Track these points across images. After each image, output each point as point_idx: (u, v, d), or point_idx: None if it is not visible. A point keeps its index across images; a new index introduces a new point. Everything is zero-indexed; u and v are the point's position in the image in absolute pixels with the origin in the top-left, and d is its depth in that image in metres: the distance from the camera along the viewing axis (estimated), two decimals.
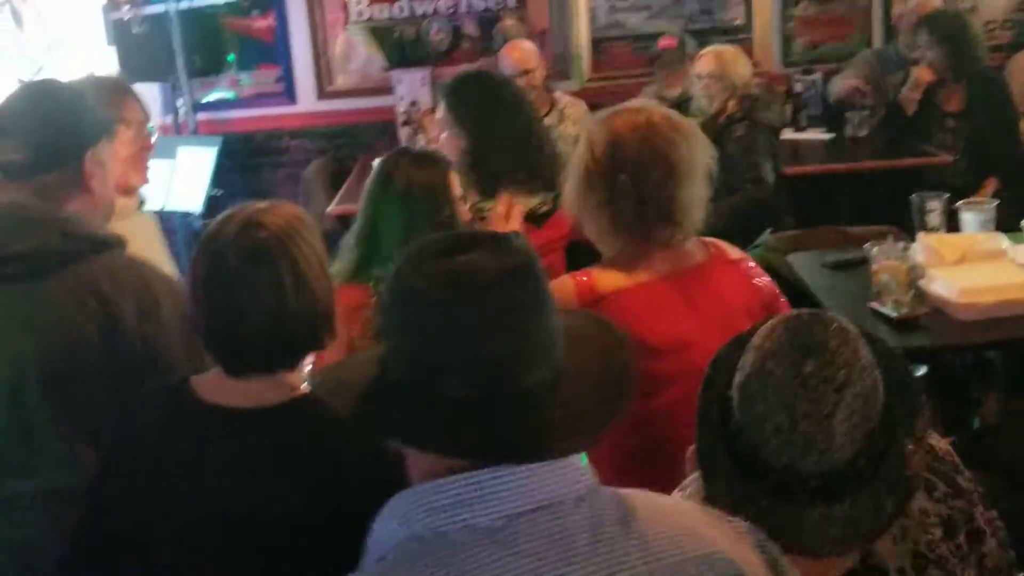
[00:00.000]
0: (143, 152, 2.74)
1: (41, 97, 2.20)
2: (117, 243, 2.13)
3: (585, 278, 2.34)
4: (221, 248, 1.77)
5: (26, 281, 2.02)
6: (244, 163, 6.23)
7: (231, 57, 6.26)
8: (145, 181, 2.79)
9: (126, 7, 5.43)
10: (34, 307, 2.01)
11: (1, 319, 2.03)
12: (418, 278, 1.23)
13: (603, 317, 1.51)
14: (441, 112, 3.58)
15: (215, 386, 1.83)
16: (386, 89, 6.24)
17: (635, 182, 2.31)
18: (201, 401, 1.82)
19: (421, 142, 5.94)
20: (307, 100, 6.35)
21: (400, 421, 1.26)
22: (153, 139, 2.80)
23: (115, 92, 2.75)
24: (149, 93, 5.74)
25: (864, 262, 3.24)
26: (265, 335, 1.77)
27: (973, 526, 1.66)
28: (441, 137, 3.58)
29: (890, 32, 6.11)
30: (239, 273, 1.75)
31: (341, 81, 6.38)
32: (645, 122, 2.34)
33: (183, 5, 5.48)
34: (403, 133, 6.15)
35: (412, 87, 6.21)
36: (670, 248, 2.37)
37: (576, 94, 5.80)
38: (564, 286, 2.30)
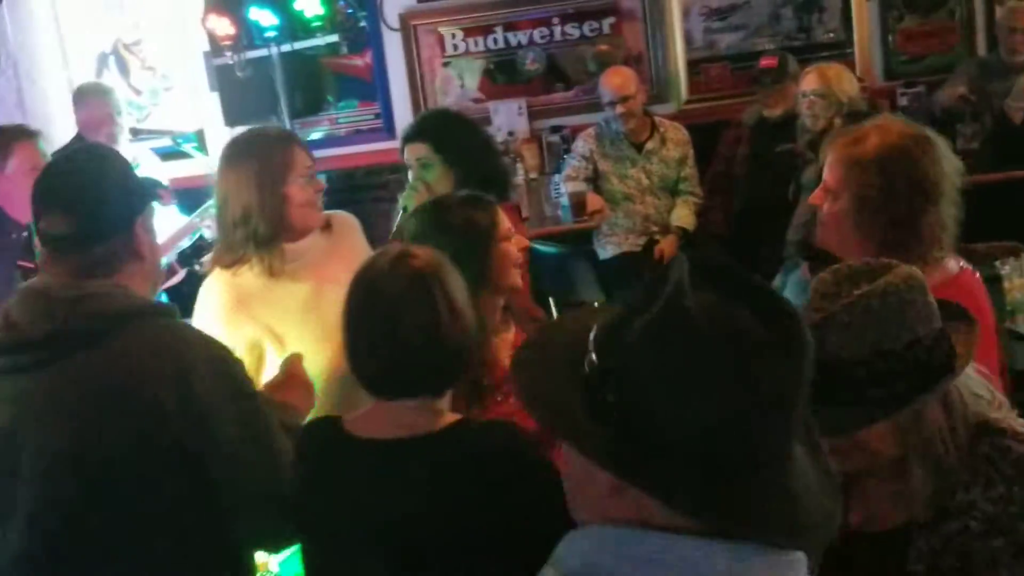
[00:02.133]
0: (316, 195, 2.81)
1: (87, 165, 2.13)
2: (158, 312, 2.09)
3: None
4: (377, 279, 1.91)
5: (47, 366, 1.98)
6: (346, 198, 6.27)
7: (331, 97, 6.35)
8: (321, 221, 2.86)
9: (229, 52, 5.52)
10: (64, 392, 1.97)
11: (38, 405, 1.99)
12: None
13: None
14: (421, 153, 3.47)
15: (366, 422, 1.92)
16: (484, 120, 6.25)
17: (915, 204, 2.26)
18: (354, 437, 1.90)
19: (520, 171, 5.97)
20: None
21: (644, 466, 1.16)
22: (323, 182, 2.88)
23: (283, 142, 2.82)
24: None
25: (994, 280, 3.15)
26: (420, 359, 1.86)
27: (1014, 538, 1.62)
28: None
29: (993, 40, 5.97)
30: (398, 300, 1.87)
31: None
32: (917, 141, 2.29)
33: (284, 48, 5.56)
34: None
35: (509, 117, 6.22)
36: (929, 264, 2.30)
37: (674, 117, 5.77)
38: None
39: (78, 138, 5.18)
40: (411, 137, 3.46)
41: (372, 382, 1.92)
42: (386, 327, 1.87)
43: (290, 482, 2.00)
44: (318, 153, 6.20)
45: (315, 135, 6.35)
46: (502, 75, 6.34)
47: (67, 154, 2.23)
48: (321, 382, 2.58)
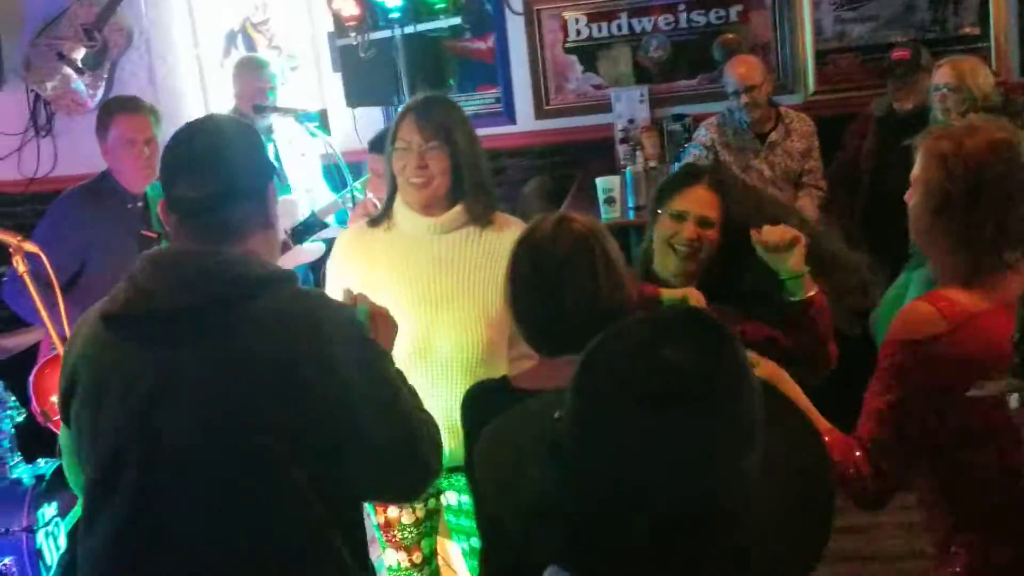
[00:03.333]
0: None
1: (219, 131, 2.13)
2: (288, 278, 2.07)
3: (944, 302, 2.20)
4: (541, 241, 2.12)
5: (187, 337, 1.97)
6: None
7: (452, 80, 6.35)
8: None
9: (352, 33, 5.56)
10: (213, 356, 1.98)
11: (178, 375, 1.98)
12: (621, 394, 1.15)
13: (803, 424, 1.42)
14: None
15: (532, 379, 2.05)
16: (604, 107, 6.20)
17: (997, 205, 2.20)
18: (522, 390, 2.01)
19: (640, 160, 5.90)
20: (525, 120, 6.38)
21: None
22: None
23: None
24: (373, 116, 5.89)
25: None
26: (581, 317, 2.00)
27: None
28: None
29: None
30: (561, 261, 2.06)
31: (559, 100, 6.38)
32: (1005, 143, 2.23)
33: (408, 29, 5.57)
34: (621, 151, 6.11)
35: (630, 105, 6.16)
36: (1019, 272, 2.25)
37: (800, 108, 5.63)
38: (920, 310, 2.20)
39: (234, 111, 5.29)
40: None
41: (536, 339, 2.10)
42: (550, 287, 2.04)
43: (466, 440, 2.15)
44: None
45: None
46: (626, 63, 6.26)
47: (194, 122, 2.19)
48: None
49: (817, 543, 1.22)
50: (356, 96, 5.82)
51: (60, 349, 3.10)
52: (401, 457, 2.04)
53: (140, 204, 4.27)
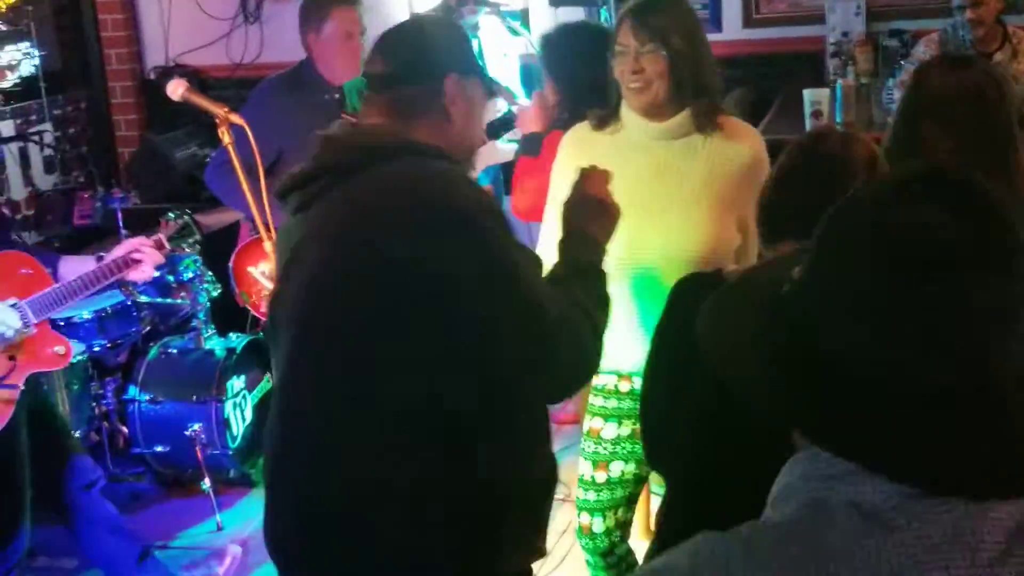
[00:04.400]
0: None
1: (414, 20, 2.33)
2: (409, 150, 2.06)
3: None
4: (831, 146, 2.11)
5: (314, 199, 2.06)
6: None
7: None
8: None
9: None
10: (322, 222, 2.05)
11: (302, 236, 2.07)
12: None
13: None
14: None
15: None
16: (817, 18, 5.92)
17: None
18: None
19: (851, 75, 5.62)
20: (732, 28, 6.14)
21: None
22: None
23: None
24: (575, 16, 5.77)
25: None
26: None
27: None
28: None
29: None
30: (847, 164, 2.05)
31: (769, 9, 6.13)
32: None
33: None
34: (831, 65, 5.84)
35: (845, 16, 5.86)
36: None
37: None
38: None
39: (442, 6, 5.27)
40: None
41: (775, 231, 2.05)
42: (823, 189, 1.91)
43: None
44: None
45: None
46: None
47: (411, 17, 2.36)
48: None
49: None
50: None
51: (261, 231, 3.16)
52: (531, 352, 1.98)
53: (337, 95, 4.30)
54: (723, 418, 1.73)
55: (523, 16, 6.02)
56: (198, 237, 3.23)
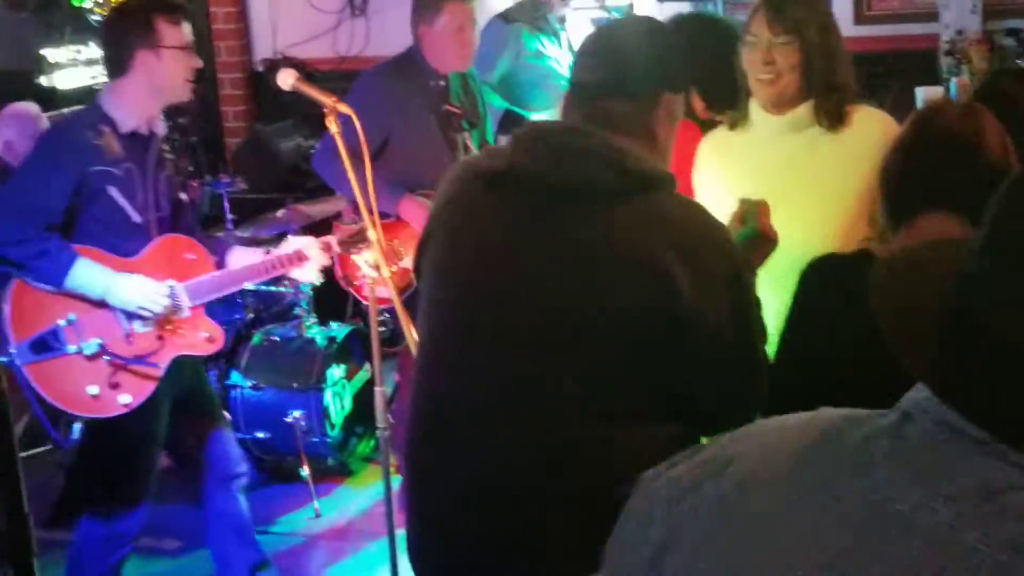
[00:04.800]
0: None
1: (633, 26, 2.16)
2: (669, 182, 2.03)
3: None
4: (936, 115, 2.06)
5: (572, 217, 1.97)
6: None
7: None
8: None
9: None
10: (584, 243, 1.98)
11: (548, 251, 1.99)
12: None
13: None
14: None
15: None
16: (930, 15, 5.78)
17: None
18: None
19: (965, 74, 5.47)
20: (843, 24, 5.90)
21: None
22: None
23: None
24: (681, 9, 5.71)
25: None
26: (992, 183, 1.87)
27: None
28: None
29: None
30: (970, 137, 1.97)
31: (882, 5, 6.00)
32: None
33: None
34: (944, 63, 5.68)
35: (960, 14, 5.69)
36: None
37: None
38: None
39: (500, 16, 5.26)
40: None
41: (903, 204, 1.98)
42: (948, 160, 1.93)
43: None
44: None
45: (744, 16, 6.11)
46: None
47: (628, 18, 2.27)
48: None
49: None
50: None
51: (365, 217, 3.18)
52: (729, 394, 2.02)
53: (443, 83, 4.32)
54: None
55: (628, 11, 5.99)
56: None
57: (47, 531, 4.14)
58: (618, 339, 1.94)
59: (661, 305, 1.92)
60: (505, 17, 4.99)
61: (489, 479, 2.00)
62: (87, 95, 5.75)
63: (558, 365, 1.96)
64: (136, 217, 3.40)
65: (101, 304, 3.34)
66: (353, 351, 4.83)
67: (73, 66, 5.70)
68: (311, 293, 4.75)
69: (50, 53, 5.59)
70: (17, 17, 5.54)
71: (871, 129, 2.78)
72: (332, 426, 4.63)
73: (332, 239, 3.61)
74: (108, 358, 3.33)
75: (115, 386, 3.34)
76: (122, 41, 3.42)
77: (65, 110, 5.60)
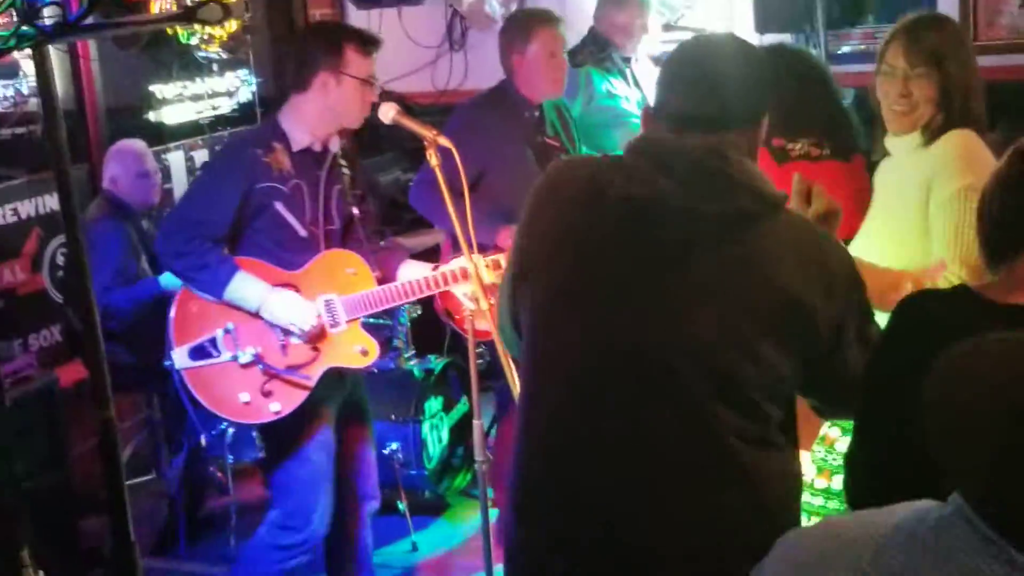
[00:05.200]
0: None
1: (731, 52, 2.07)
2: (783, 201, 2.03)
3: None
4: None
5: (718, 242, 1.96)
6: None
7: (871, 10, 5.98)
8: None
9: None
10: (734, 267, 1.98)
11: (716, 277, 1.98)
12: None
13: None
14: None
15: (1003, 290, 1.89)
16: None
17: None
18: (997, 304, 1.87)
19: None
20: None
21: None
22: None
23: None
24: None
25: None
26: None
27: None
28: None
29: None
30: None
31: (989, 35, 5.86)
32: None
33: None
34: None
35: None
36: None
37: None
38: None
39: (590, 34, 5.25)
40: None
41: (1003, 247, 1.91)
42: None
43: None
44: (848, 68, 5.96)
45: (845, 48, 6.03)
46: None
47: (708, 37, 2.33)
48: None
49: None
50: (766, 22, 5.62)
51: (464, 250, 3.18)
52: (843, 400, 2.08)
53: (537, 113, 4.33)
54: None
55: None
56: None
57: (152, 559, 4.22)
58: (766, 362, 1.95)
59: (799, 326, 1.95)
60: (572, 60, 4.96)
61: (623, 512, 1.97)
62: (193, 130, 5.89)
63: (708, 395, 1.94)
64: (302, 231, 3.49)
65: (258, 315, 3.42)
66: (451, 384, 4.84)
67: (180, 102, 5.83)
68: (409, 325, 4.77)
69: (158, 89, 5.72)
70: (127, 55, 5.68)
71: (950, 143, 2.74)
72: (429, 459, 4.63)
73: (502, 257, 3.58)
74: (262, 367, 3.43)
75: (267, 394, 3.44)
76: (308, 58, 3.52)
77: (171, 144, 5.75)
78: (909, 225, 2.76)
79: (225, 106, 6.09)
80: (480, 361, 3.86)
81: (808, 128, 2.96)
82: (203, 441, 4.41)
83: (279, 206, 3.44)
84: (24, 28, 2.44)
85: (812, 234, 2.06)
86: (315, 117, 3.51)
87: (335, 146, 3.59)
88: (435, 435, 4.71)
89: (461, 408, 4.84)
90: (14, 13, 2.38)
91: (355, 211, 3.66)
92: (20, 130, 5.46)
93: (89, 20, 2.28)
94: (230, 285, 3.38)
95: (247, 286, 3.40)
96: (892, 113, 2.77)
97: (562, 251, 2.06)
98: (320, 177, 3.53)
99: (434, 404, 4.71)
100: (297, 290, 3.48)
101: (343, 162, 3.64)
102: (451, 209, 3.21)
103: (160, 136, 5.69)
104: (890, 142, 2.86)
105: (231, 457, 4.40)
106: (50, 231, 5.12)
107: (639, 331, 1.97)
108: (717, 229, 1.95)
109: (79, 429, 4.64)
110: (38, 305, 5.12)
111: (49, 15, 2.35)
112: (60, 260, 5.15)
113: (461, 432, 4.75)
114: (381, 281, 3.60)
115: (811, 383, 2.06)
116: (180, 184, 5.84)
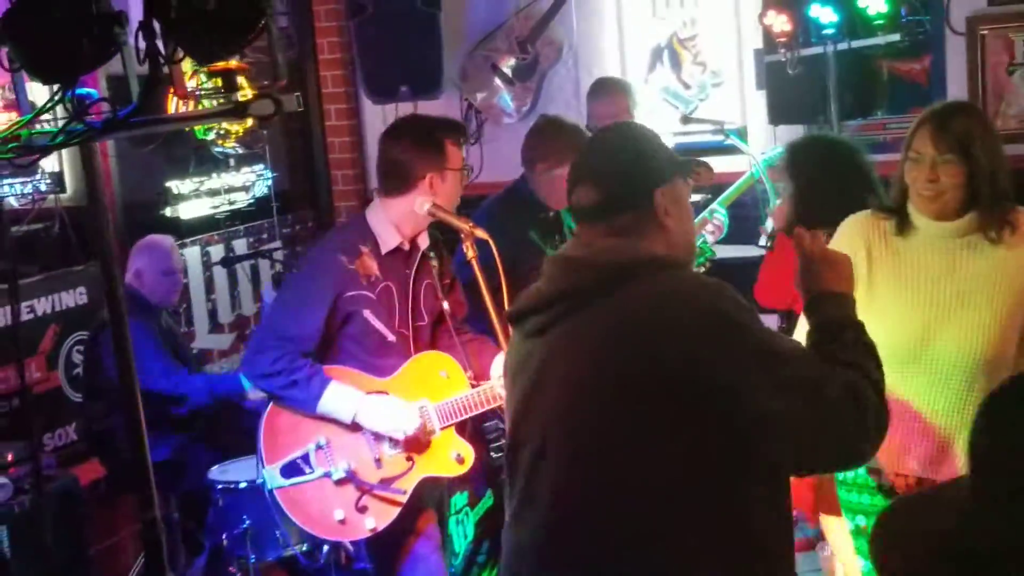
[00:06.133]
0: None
1: (608, 141, 2.31)
2: (663, 265, 2.11)
3: None
4: None
5: (564, 318, 2.11)
6: None
7: (881, 101, 6.04)
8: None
9: (782, 50, 5.41)
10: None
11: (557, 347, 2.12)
12: None
13: None
14: None
15: None
16: None
17: None
18: None
19: None
20: None
21: None
22: None
23: None
24: (793, 136, 5.70)
25: None
26: None
27: None
28: None
29: None
30: None
31: (997, 126, 5.90)
32: None
33: (841, 46, 5.36)
34: None
35: None
36: None
37: None
38: None
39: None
40: None
41: None
42: None
43: None
44: None
45: (859, 139, 6.07)
46: None
47: (599, 131, 2.45)
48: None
49: None
50: (779, 114, 5.69)
51: (502, 342, 3.15)
52: (819, 431, 2.00)
53: (552, 214, 4.33)
54: None
55: (742, 133, 6.00)
56: None
57: None
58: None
59: (658, 381, 1.99)
60: None
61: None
62: (210, 225, 5.90)
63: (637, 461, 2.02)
64: (391, 336, 3.44)
65: (352, 427, 3.37)
66: (476, 479, 4.76)
67: (196, 197, 5.84)
68: None
69: (175, 185, 5.73)
70: (144, 151, 5.70)
71: None
72: (455, 555, 4.54)
73: None
74: (356, 483, 3.34)
75: (362, 510, 3.37)
76: (412, 161, 3.45)
77: (188, 239, 5.75)
78: (992, 319, 2.77)
79: (241, 201, 6.10)
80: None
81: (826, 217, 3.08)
82: (224, 541, 4.31)
83: (367, 313, 3.39)
84: (73, 125, 2.44)
85: (681, 291, 2.09)
86: (413, 215, 3.45)
87: (424, 242, 3.55)
88: (460, 531, 4.63)
89: (486, 503, 4.76)
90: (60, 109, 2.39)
91: (444, 305, 3.60)
92: (36, 226, 5.44)
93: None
94: (323, 399, 3.31)
95: (341, 397, 3.33)
96: (920, 198, 2.81)
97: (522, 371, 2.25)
98: (409, 276, 3.49)
99: (459, 499, 4.64)
100: None
101: (431, 253, 3.59)
102: (488, 303, 3.20)
103: (177, 231, 5.69)
104: (930, 224, 2.86)
105: (253, 556, 4.29)
106: (67, 328, 5.08)
107: (553, 424, 2.14)
108: (569, 302, 2.13)
109: (94, 528, 4.58)
110: (53, 403, 5.07)
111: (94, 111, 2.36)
112: (76, 358, 5.11)
113: (486, 527, 4.68)
114: (475, 378, 3.53)
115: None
116: (196, 280, 5.82)
